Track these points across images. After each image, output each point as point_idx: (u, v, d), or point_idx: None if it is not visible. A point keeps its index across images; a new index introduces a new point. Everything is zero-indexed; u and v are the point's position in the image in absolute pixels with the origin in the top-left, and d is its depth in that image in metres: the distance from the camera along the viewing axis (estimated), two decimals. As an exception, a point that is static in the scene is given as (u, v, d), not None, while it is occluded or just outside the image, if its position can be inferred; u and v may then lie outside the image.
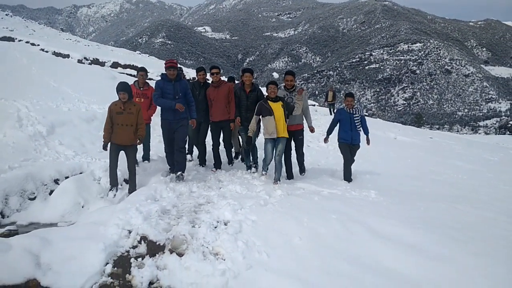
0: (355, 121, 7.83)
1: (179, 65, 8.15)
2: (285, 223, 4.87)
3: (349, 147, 7.90)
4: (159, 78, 7.09)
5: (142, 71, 7.95)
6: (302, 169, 7.90)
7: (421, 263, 4.06)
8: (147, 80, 8.06)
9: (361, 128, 7.93)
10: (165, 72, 6.84)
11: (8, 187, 6.27)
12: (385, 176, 8.79)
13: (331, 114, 21.69)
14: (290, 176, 7.64)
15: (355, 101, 8.07)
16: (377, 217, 5.25)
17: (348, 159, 7.91)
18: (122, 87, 6.38)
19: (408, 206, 6.19)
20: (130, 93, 6.51)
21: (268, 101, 6.96)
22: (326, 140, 8.26)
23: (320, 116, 20.59)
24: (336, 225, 4.90)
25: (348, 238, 4.62)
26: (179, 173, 6.78)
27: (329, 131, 8.18)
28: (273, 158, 7.15)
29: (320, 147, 12.53)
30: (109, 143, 6.53)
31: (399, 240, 4.56)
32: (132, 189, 6.55)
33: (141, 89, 7.80)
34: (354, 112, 7.86)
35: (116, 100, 6.49)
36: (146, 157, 8.07)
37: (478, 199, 7.63)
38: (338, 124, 8.03)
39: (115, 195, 6.67)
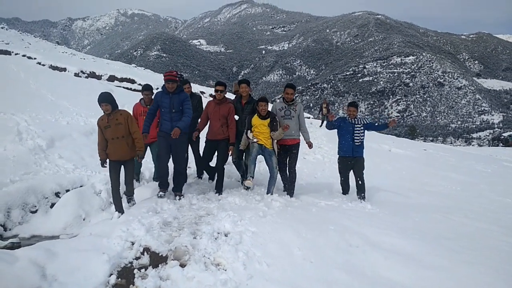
0: (356, 132, 7.36)
1: (182, 74, 7.80)
2: (284, 234, 4.99)
3: (350, 163, 7.46)
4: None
5: (146, 91, 7.30)
6: (290, 191, 7.18)
7: (416, 273, 4.18)
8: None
9: (363, 140, 7.45)
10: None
11: (10, 200, 6.34)
12: (380, 188, 8.92)
13: (321, 126, 22.12)
14: (289, 190, 7.21)
15: (358, 112, 7.57)
16: (373, 228, 5.38)
17: (345, 178, 7.61)
18: (103, 98, 5.81)
19: (403, 217, 6.33)
20: (113, 103, 5.90)
21: (255, 117, 6.80)
22: (330, 117, 7.72)
23: (315, 129, 20.78)
24: (334, 236, 5.02)
25: (346, 248, 4.75)
26: (178, 196, 6.59)
27: (328, 126, 7.78)
28: (271, 170, 6.93)
29: (316, 159, 12.69)
30: (108, 160, 6.11)
31: (395, 250, 4.69)
32: (131, 198, 6.45)
33: (148, 106, 7.22)
34: (357, 123, 7.40)
35: (102, 115, 5.99)
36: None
37: (471, 210, 7.78)
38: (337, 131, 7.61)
39: (119, 216, 6.04)
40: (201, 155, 7.55)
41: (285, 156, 7.13)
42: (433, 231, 5.62)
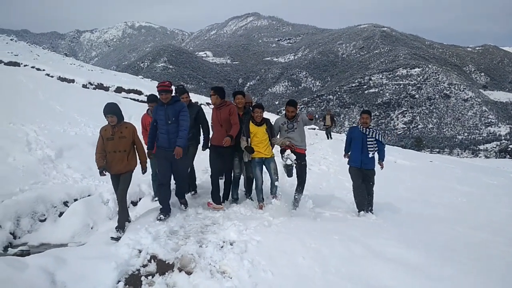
0: (368, 143, 6.99)
1: (182, 84, 7.68)
2: (289, 243, 5.04)
3: (360, 173, 7.08)
4: None
5: (152, 102, 6.92)
6: (297, 201, 7.00)
7: (420, 283, 4.22)
8: None
9: (375, 153, 7.06)
10: None
11: (19, 209, 6.48)
12: (385, 199, 8.93)
13: (328, 138, 21.66)
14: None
15: (371, 121, 7.23)
16: (378, 239, 5.41)
17: (358, 186, 7.06)
18: (109, 110, 5.61)
19: (407, 228, 6.36)
20: (119, 114, 5.72)
21: (251, 125, 6.69)
22: (345, 156, 7.47)
23: (320, 140, 20.85)
24: (338, 246, 5.06)
25: (350, 258, 4.79)
26: (183, 206, 6.41)
27: (346, 150, 7.45)
28: (270, 178, 6.80)
29: (321, 170, 12.73)
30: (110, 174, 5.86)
31: (400, 261, 4.73)
32: (120, 226, 5.69)
33: None
34: (368, 133, 7.03)
35: (105, 125, 5.78)
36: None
37: (476, 221, 7.79)
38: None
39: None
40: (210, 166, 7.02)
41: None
42: (438, 242, 5.65)
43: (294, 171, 6.88)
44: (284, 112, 7.13)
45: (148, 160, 6.23)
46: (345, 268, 4.55)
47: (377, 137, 7.04)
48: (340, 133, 39.88)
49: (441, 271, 4.48)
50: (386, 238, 5.50)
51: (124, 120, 5.88)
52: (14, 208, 6.42)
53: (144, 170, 6.00)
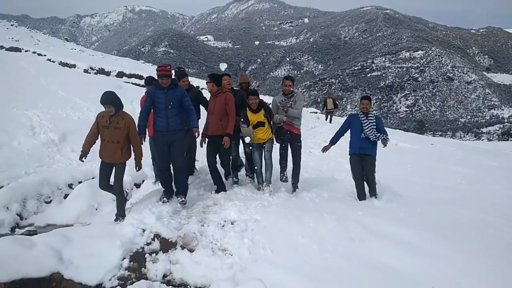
0: (365, 127, 6.70)
1: (182, 67, 7.36)
2: (288, 222, 5.20)
3: (360, 160, 6.84)
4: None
5: (149, 85, 6.84)
6: (294, 185, 6.99)
7: (416, 260, 4.39)
8: None
9: (375, 136, 6.71)
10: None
11: (25, 191, 6.65)
12: (384, 180, 8.97)
13: (328, 121, 21.37)
14: (283, 170, 6.83)
15: (371, 107, 6.92)
16: (375, 218, 5.55)
17: (357, 176, 6.90)
18: (105, 100, 5.35)
19: (406, 209, 6.43)
20: (118, 104, 5.44)
21: (248, 112, 6.49)
22: (325, 148, 7.18)
23: (322, 124, 20.90)
24: (336, 225, 5.21)
25: (347, 236, 4.94)
26: (181, 199, 5.87)
27: (333, 140, 7.14)
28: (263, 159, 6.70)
29: (322, 153, 12.80)
30: (100, 160, 5.60)
31: (396, 239, 4.88)
32: (120, 213, 5.52)
33: None
34: (366, 120, 6.74)
35: (104, 111, 5.50)
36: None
37: (478, 203, 7.83)
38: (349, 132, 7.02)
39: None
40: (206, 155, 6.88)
41: (286, 145, 6.86)
42: (437, 223, 5.73)
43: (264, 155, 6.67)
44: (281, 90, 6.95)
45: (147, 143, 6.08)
46: (342, 246, 4.71)
47: (376, 120, 6.78)
48: (342, 117, 39.80)
49: (436, 249, 4.63)
50: (385, 218, 5.62)
51: (123, 109, 5.59)
52: (20, 191, 6.58)
53: (138, 167, 5.67)
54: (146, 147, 6.20)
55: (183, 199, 5.86)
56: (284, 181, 6.80)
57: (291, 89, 6.82)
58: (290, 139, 6.83)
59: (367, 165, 6.85)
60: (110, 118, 5.39)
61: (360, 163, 6.85)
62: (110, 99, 5.34)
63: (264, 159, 6.70)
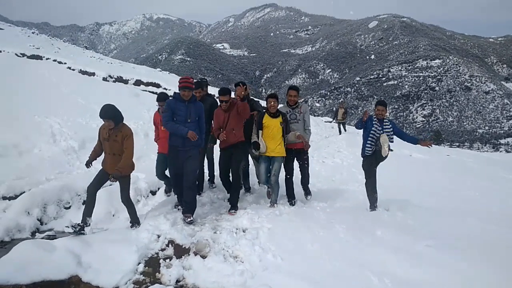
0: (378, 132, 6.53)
1: (203, 77, 7.15)
2: (298, 231, 5.33)
3: (374, 161, 6.72)
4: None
5: (161, 101, 6.65)
6: (307, 192, 6.99)
7: (425, 270, 4.43)
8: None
9: (370, 150, 6.63)
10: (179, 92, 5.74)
11: (46, 197, 6.91)
12: (396, 191, 9.00)
13: (340, 133, 20.68)
14: (291, 197, 6.78)
15: (387, 113, 6.73)
16: (384, 228, 5.62)
17: (370, 178, 6.78)
18: (104, 114, 5.28)
19: (416, 219, 6.47)
20: (117, 118, 5.38)
21: (266, 116, 6.33)
22: (364, 116, 6.75)
23: (336, 133, 20.93)
24: (346, 234, 5.32)
25: (357, 246, 5.04)
26: (188, 218, 5.62)
27: (358, 125, 6.86)
28: (268, 179, 6.51)
29: (335, 163, 12.90)
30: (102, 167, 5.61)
31: (405, 248, 4.94)
32: (134, 221, 5.64)
33: None
34: (381, 129, 6.56)
35: (105, 123, 5.46)
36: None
37: (489, 214, 7.83)
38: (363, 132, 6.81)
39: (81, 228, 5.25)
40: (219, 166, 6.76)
41: (293, 160, 6.77)
42: (445, 232, 5.77)
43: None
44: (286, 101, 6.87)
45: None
46: (352, 255, 4.80)
47: (392, 126, 6.66)
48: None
49: (445, 259, 4.65)
50: (392, 227, 5.70)
51: (124, 122, 5.53)
52: (41, 196, 6.84)
53: (113, 179, 5.33)
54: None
55: (191, 218, 5.63)
56: (292, 205, 6.67)
57: (296, 99, 6.76)
58: (295, 155, 6.75)
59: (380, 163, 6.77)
60: (110, 131, 5.40)
61: (374, 165, 6.73)
62: (109, 113, 5.30)
63: (270, 183, 6.51)
